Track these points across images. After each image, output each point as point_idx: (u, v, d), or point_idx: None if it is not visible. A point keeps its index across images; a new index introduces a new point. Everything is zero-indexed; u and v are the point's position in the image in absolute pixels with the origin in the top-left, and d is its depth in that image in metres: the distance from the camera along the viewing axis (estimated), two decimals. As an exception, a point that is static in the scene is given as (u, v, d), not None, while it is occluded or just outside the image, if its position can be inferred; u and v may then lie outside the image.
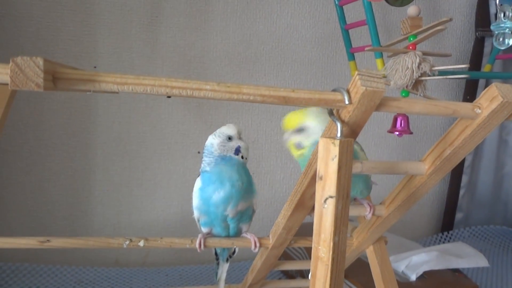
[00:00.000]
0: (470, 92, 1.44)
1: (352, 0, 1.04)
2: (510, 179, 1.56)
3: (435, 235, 1.47)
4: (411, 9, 0.90)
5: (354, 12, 1.23)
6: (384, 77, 0.90)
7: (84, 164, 1.20)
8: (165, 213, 1.27)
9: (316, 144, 0.56)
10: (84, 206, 1.21)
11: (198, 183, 0.67)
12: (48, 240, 0.61)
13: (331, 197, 0.41)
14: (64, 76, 0.36)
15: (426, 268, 0.92)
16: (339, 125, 0.42)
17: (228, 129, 0.66)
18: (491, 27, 0.87)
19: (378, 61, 0.99)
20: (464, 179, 1.50)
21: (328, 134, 0.46)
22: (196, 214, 0.69)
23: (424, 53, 0.88)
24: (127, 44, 1.18)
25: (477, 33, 1.44)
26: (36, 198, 1.17)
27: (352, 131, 0.44)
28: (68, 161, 1.18)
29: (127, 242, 0.63)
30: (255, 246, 0.67)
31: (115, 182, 1.23)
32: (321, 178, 0.42)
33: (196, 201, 0.67)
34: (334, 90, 0.42)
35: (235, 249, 0.76)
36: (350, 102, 0.40)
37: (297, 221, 0.61)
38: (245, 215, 0.67)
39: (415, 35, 0.90)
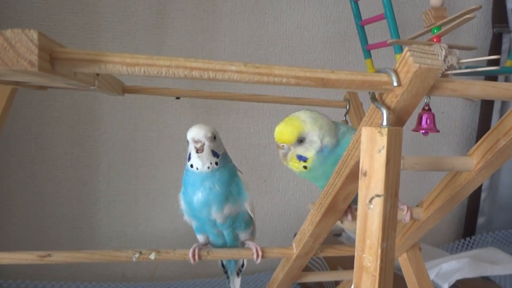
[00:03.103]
0: (489, 91, 1.37)
1: (368, -6, 0.98)
2: (533, 181, 1.49)
3: (456, 241, 1.40)
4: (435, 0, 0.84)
5: (368, 9, 1.17)
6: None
7: (89, 174, 1.14)
8: (175, 224, 1.21)
9: (319, 151, 0.50)
10: (89, 218, 1.15)
11: (182, 186, 0.62)
12: (49, 254, 0.55)
13: (378, 196, 0.35)
14: (63, 56, 0.30)
15: (459, 276, 0.85)
16: (385, 112, 0.36)
17: (188, 132, 0.58)
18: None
19: (398, 57, 0.93)
20: (485, 181, 1.43)
21: (368, 123, 0.40)
22: (185, 218, 0.64)
23: (449, 46, 0.82)
24: (132, 47, 1.13)
25: (494, 29, 1.38)
26: (38, 210, 1.11)
27: (398, 120, 0.38)
28: (71, 170, 1.12)
29: (137, 255, 0.57)
30: (257, 256, 0.60)
31: (121, 192, 1.17)
32: (365, 174, 0.36)
33: (182, 204, 0.63)
34: (378, 71, 0.36)
35: (243, 261, 0.69)
36: (399, 83, 0.35)
37: (326, 227, 0.55)
38: (238, 221, 0.61)
39: (439, 27, 0.84)
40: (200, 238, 0.63)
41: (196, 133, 0.56)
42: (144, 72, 0.31)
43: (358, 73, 0.35)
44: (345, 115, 0.90)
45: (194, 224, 0.62)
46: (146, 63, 0.31)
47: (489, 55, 1.38)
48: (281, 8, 1.25)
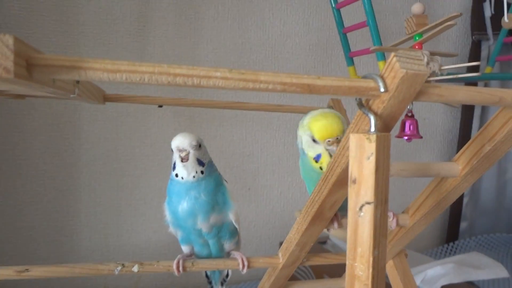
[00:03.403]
0: (469, 97, 1.40)
1: (350, 1, 0.99)
2: (512, 186, 1.52)
3: (440, 247, 1.41)
4: (416, 7, 0.85)
5: (351, 17, 1.18)
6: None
7: (69, 185, 1.11)
8: (158, 235, 1.19)
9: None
10: (69, 230, 1.12)
11: (166, 196, 0.60)
12: (27, 269, 0.53)
13: (368, 203, 0.34)
14: (41, 62, 0.29)
15: (444, 282, 0.85)
16: (372, 118, 0.35)
17: (172, 141, 0.56)
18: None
19: (381, 63, 0.93)
20: (467, 187, 1.45)
21: (355, 130, 0.39)
22: (170, 229, 0.62)
23: (431, 53, 0.83)
24: (113, 55, 1.11)
25: (473, 37, 1.41)
26: (15, 223, 1.08)
27: (385, 126, 0.37)
28: (51, 181, 1.09)
29: (119, 268, 0.55)
30: (243, 266, 0.59)
31: (103, 203, 1.14)
32: (354, 182, 0.35)
33: (167, 215, 0.60)
34: (365, 77, 0.36)
35: (228, 271, 0.68)
36: (386, 89, 0.34)
37: (313, 235, 0.54)
38: (224, 230, 0.59)
39: (421, 34, 0.85)
40: (185, 249, 0.61)
41: (180, 142, 0.55)
42: (126, 78, 0.30)
43: (344, 79, 0.34)
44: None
45: (179, 234, 0.61)
46: (128, 70, 0.30)
47: (469, 62, 1.41)
48: (264, 16, 1.25)
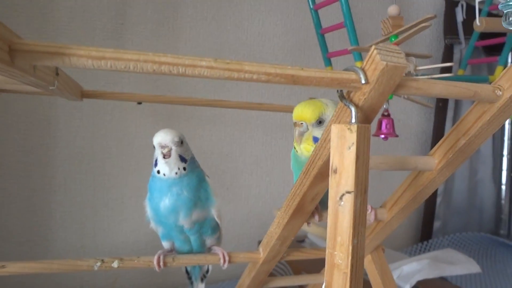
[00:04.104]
0: (442, 99, 1.44)
1: (327, 3, 1.01)
2: (483, 186, 1.56)
3: (415, 245, 1.44)
4: (392, 9, 0.88)
5: (328, 18, 1.20)
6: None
7: (43, 184, 1.09)
8: (135, 235, 1.17)
9: None
10: (44, 230, 1.10)
11: (148, 192, 0.60)
12: (3, 266, 0.52)
13: (348, 192, 0.35)
14: (24, 48, 0.28)
15: (420, 277, 0.87)
16: (353, 109, 0.36)
17: (154, 137, 0.56)
18: (499, 7, 0.82)
19: (358, 64, 0.95)
20: (440, 187, 1.49)
21: (336, 122, 0.40)
22: (152, 224, 0.62)
23: (407, 54, 0.85)
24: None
25: (446, 41, 1.45)
26: (-13, 223, 1.05)
27: (365, 118, 0.38)
28: (24, 180, 1.07)
29: (99, 264, 0.55)
30: (224, 261, 0.59)
31: (78, 203, 1.12)
32: (335, 172, 0.36)
33: (148, 211, 0.60)
34: (346, 69, 0.36)
35: (208, 267, 0.68)
36: (367, 81, 0.35)
37: (294, 229, 0.55)
38: (205, 226, 0.60)
39: (397, 35, 0.87)
40: (166, 244, 0.61)
41: (162, 138, 0.55)
42: (111, 66, 0.30)
43: (327, 71, 0.35)
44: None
45: (160, 230, 0.60)
46: (113, 57, 0.30)
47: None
48: (242, 16, 1.26)
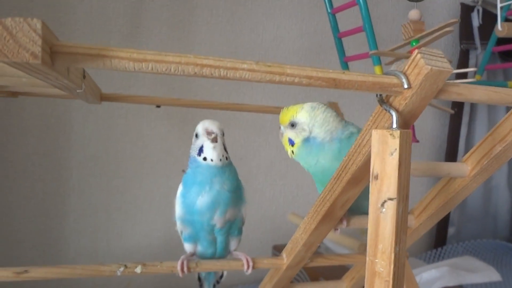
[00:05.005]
0: (457, 104, 1.42)
1: (346, 7, 1.00)
2: (498, 192, 1.54)
3: (429, 252, 1.42)
4: (413, 13, 0.87)
5: (344, 22, 1.20)
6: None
7: (57, 187, 1.08)
8: (148, 239, 1.17)
9: (305, 140, 0.51)
10: (57, 234, 1.09)
11: (180, 188, 0.58)
12: (26, 270, 0.51)
13: (390, 199, 0.34)
14: (65, 50, 0.28)
15: (440, 285, 0.86)
16: (394, 114, 0.35)
17: (197, 125, 0.56)
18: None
19: (377, 68, 0.94)
20: (454, 193, 1.47)
21: (372, 127, 0.39)
22: (178, 225, 0.59)
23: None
24: (106, 55, 1.09)
25: (461, 46, 1.44)
26: (2, 226, 1.04)
27: (405, 123, 0.37)
28: (39, 183, 1.06)
29: (122, 269, 0.54)
30: (248, 267, 0.58)
31: (92, 206, 1.12)
32: (376, 178, 0.35)
33: (178, 209, 0.57)
34: (387, 74, 0.36)
35: (223, 272, 0.67)
36: (410, 86, 0.34)
37: (321, 235, 0.54)
38: (234, 226, 0.59)
39: (418, 40, 0.87)
40: (188, 247, 0.59)
41: (210, 124, 0.55)
42: (152, 68, 0.29)
43: (369, 75, 0.34)
44: (326, 125, 0.90)
45: (187, 231, 0.58)
46: (154, 59, 0.29)
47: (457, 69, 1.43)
48: (257, 20, 1.26)
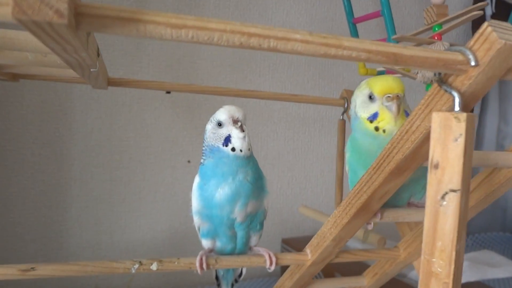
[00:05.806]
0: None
1: (362, -10, 0.96)
2: (507, 185, 1.52)
3: (437, 246, 1.39)
4: (436, -4, 0.82)
5: (357, 7, 1.15)
6: (409, 70, 0.82)
7: (59, 178, 1.04)
8: (152, 232, 1.13)
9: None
10: (58, 226, 1.05)
11: (196, 180, 0.53)
12: (32, 268, 0.47)
13: (453, 190, 0.30)
14: (92, 12, 0.23)
15: (462, 280, 0.82)
16: (457, 96, 0.31)
17: (219, 113, 0.50)
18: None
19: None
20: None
21: (425, 110, 0.35)
22: (196, 220, 0.54)
23: (451, 44, 0.80)
24: (109, 42, 1.04)
25: (473, 35, 1.40)
26: (1, 218, 1.00)
27: (465, 106, 0.33)
28: (39, 174, 1.02)
29: (136, 266, 0.50)
30: (271, 263, 0.54)
31: (95, 197, 1.07)
32: (436, 167, 0.31)
33: (195, 203, 0.53)
34: (450, 49, 0.32)
35: (242, 270, 0.62)
36: (477, 63, 0.30)
37: (353, 230, 0.50)
38: (256, 220, 0.54)
39: (441, 25, 0.82)
40: (206, 243, 0.55)
41: (235, 112, 0.49)
42: (192, 37, 0.25)
43: (432, 50, 0.30)
44: (342, 114, 0.86)
45: (205, 226, 0.54)
46: (195, 26, 0.25)
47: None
48: (266, 6, 1.21)
